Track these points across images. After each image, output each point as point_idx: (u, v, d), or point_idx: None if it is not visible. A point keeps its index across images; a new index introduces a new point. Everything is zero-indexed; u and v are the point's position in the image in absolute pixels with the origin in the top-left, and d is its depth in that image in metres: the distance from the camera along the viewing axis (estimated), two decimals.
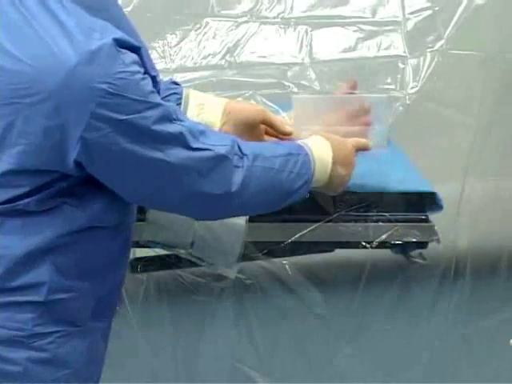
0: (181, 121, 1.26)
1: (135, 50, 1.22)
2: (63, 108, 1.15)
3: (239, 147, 1.33)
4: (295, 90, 1.87)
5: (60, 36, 1.15)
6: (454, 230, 1.83)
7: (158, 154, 1.22)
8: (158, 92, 1.28)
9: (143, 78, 1.20)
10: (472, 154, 1.91)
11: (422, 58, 1.87)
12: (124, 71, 1.16)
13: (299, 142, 1.48)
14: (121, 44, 1.18)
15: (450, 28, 1.89)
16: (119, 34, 1.19)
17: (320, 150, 1.47)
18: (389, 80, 1.87)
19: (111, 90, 1.15)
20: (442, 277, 1.98)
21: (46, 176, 1.22)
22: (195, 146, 1.26)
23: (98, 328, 1.36)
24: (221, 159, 1.29)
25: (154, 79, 1.28)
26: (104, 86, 1.14)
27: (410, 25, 1.94)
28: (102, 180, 1.24)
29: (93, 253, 1.29)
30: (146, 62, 1.25)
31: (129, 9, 1.97)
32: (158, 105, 1.22)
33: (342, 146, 1.52)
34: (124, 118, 1.17)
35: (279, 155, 1.39)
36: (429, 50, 1.91)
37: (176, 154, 1.24)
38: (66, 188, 1.24)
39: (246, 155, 1.33)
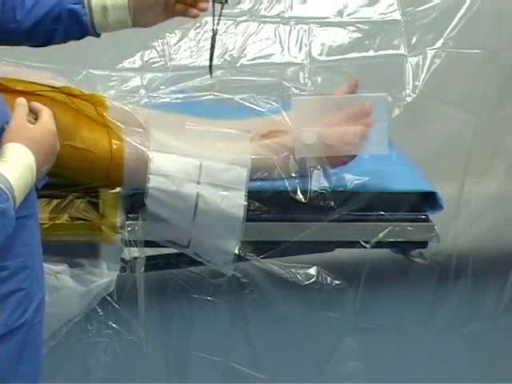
0: None
1: None
2: None
3: None
4: (294, 89, 1.87)
5: None
6: (453, 231, 1.83)
7: None
8: None
9: None
10: (473, 154, 1.91)
11: (421, 57, 1.87)
12: None
13: None
14: None
15: (450, 26, 1.89)
16: None
17: (22, 180, 1.36)
18: (388, 79, 1.87)
19: None
20: (441, 277, 1.97)
21: None
22: None
23: None
24: None
25: None
26: None
27: (409, 23, 1.94)
28: None
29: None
30: None
31: None
32: None
33: (43, 145, 1.39)
34: None
35: None
36: (429, 48, 1.91)
37: None
38: None
39: None
